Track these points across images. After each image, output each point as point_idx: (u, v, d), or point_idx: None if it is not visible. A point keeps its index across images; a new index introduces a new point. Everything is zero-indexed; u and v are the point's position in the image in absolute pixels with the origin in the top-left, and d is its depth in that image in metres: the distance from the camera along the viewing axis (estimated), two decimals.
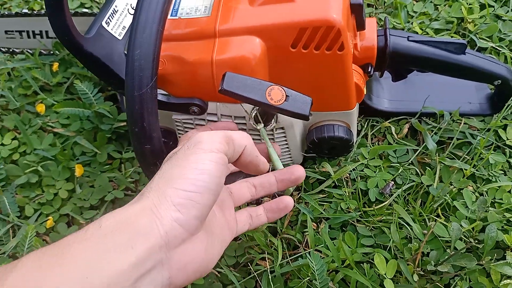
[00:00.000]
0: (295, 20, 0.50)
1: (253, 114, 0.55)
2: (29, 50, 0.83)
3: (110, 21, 0.54)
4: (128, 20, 0.56)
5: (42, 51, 0.83)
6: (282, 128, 0.57)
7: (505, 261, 0.51)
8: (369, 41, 0.56)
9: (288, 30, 0.50)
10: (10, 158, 0.73)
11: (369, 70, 0.57)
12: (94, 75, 0.59)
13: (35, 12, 0.79)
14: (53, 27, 0.48)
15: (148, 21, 0.45)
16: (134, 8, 0.47)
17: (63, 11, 0.47)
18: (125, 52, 0.54)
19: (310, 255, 0.53)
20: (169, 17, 0.55)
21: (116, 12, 0.55)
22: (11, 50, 0.84)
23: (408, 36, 0.57)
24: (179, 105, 0.55)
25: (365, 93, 0.58)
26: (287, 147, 0.60)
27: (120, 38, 0.55)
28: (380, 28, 0.58)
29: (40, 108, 0.74)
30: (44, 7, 0.96)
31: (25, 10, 0.84)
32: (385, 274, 0.53)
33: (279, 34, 0.50)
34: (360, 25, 0.55)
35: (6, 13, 0.79)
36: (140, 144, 0.49)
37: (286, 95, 0.47)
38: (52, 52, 0.83)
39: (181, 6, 0.56)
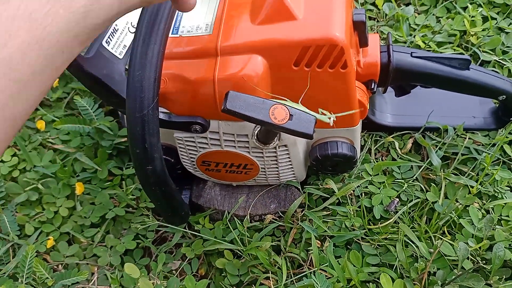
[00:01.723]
0: (297, 38, 0.49)
1: (256, 132, 0.54)
2: None
3: (111, 40, 0.53)
4: (128, 39, 0.55)
5: None
6: (285, 145, 0.56)
7: None
8: (372, 58, 0.56)
9: (291, 48, 0.50)
10: (10, 175, 0.72)
11: (372, 86, 0.56)
12: (94, 94, 0.59)
13: None
14: None
15: (150, 42, 0.45)
16: (135, 28, 0.47)
17: None
18: (127, 67, 0.53)
19: (315, 275, 0.52)
20: (170, 35, 0.54)
21: (116, 31, 0.55)
22: None
23: (412, 52, 0.57)
24: (181, 124, 0.55)
25: (368, 109, 0.57)
26: (290, 164, 0.60)
27: (120, 57, 0.54)
28: (383, 44, 0.58)
29: (40, 124, 0.73)
30: None
31: None
32: None
33: (281, 53, 0.50)
34: (363, 42, 0.55)
35: None
36: (141, 165, 0.49)
37: (290, 114, 0.47)
38: None
39: (182, 24, 0.55)
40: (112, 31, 0.54)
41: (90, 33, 0.29)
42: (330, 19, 0.50)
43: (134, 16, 0.57)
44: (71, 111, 0.79)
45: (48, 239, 0.64)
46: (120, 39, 0.55)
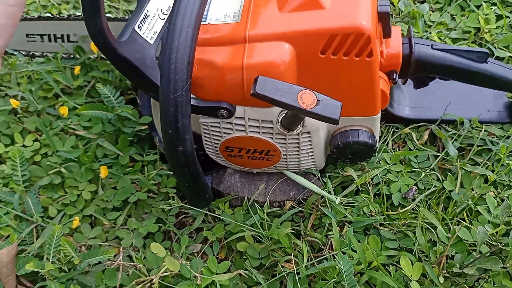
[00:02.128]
0: (325, 26, 0.51)
1: (280, 118, 0.56)
2: (48, 54, 0.83)
3: (142, 25, 0.55)
4: (159, 25, 0.57)
5: (62, 54, 0.83)
6: (308, 132, 0.58)
7: None
8: (395, 49, 0.58)
9: (318, 36, 0.51)
10: (32, 160, 0.74)
11: (394, 77, 0.58)
12: (125, 78, 0.60)
13: (57, 16, 0.81)
14: (89, 30, 0.49)
15: (184, 26, 0.46)
16: (169, 13, 0.48)
17: (100, 15, 0.48)
18: (157, 56, 0.55)
19: (337, 257, 0.54)
20: None
21: (147, 17, 0.56)
22: (30, 54, 0.84)
23: (432, 45, 0.59)
24: (207, 109, 0.56)
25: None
26: (312, 152, 0.61)
27: (151, 42, 0.56)
28: (404, 36, 0.60)
29: (63, 110, 0.74)
30: (63, 11, 0.97)
31: (48, 14, 0.85)
32: (411, 276, 0.53)
33: (308, 41, 0.52)
34: (386, 33, 0.57)
35: (29, 16, 0.80)
36: (173, 145, 0.50)
37: (317, 100, 0.48)
38: (72, 56, 0.84)
39: (210, 12, 0.57)
40: (144, 17, 0.56)
41: None
42: (357, 9, 0.51)
43: (164, 3, 0.59)
44: (91, 99, 0.81)
45: (73, 220, 0.65)
46: (151, 25, 0.56)
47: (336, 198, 0.60)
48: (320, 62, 0.53)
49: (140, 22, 0.55)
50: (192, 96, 0.57)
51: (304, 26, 0.52)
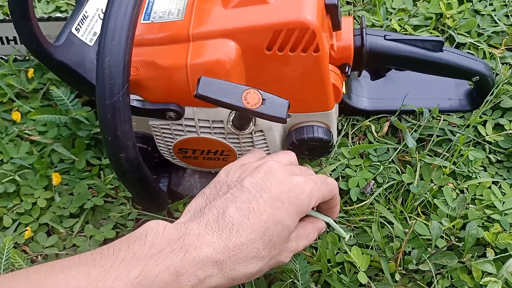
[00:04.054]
0: (269, 22, 0.49)
1: (231, 118, 0.54)
2: (3, 57, 0.81)
3: (80, 27, 0.53)
4: (99, 26, 0.55)
5: (16, 57, 0.81)
6: (261, 131, 0.56)
7: (486, 258, 0.52)
8: (346, 41, 0.56)
9: (263, 32, 0.49)
10: None
11: (347, 70, 0.56)
12: (65, 83, 0.58)
13: (7, 18, 0.78)
14: (19, 36, 0.47)
15: (117, 27, 0.44)
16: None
17: (29, 19, 0.46)
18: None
19: (293, 257, 0.52)
20: (142, 21, 0.54)
21: (86, 18, 0.54)
22: None
23: (385, 35, 0.57)
24: (155, 111, 0.54)
25: (344, 93, 0.57)
26: (267, 150, 0.60)
27: (91, 44, 0.53)
28: (356, 28, 0.58)
29: (16, 116, 0.72)
30: None
31: None
32: (359, 267, 0.52)
33: (253, 37, 0.50)
34: (336, 25, 0.55)
35: None
36: (114, 152, 0.48)
37: (263, 99, 0.46)
38: (27, 58, 0.81)
39: (153, 10, 0.55)
40: (82, 18, 0.53)
41: None
42: (301, 3, 0.49)
43: (104, 3, 0.56)
44: (48, 102, 0.78)
45: (26, 230, 0.63)
46: (90, 26, 0.54)
47: (347, 235, 0.52)
48: (267, 58, 0.51)
49: (78, 24, 0.53)
50: (138, 98, 0.55)
51: (248, 22, 0.50)
